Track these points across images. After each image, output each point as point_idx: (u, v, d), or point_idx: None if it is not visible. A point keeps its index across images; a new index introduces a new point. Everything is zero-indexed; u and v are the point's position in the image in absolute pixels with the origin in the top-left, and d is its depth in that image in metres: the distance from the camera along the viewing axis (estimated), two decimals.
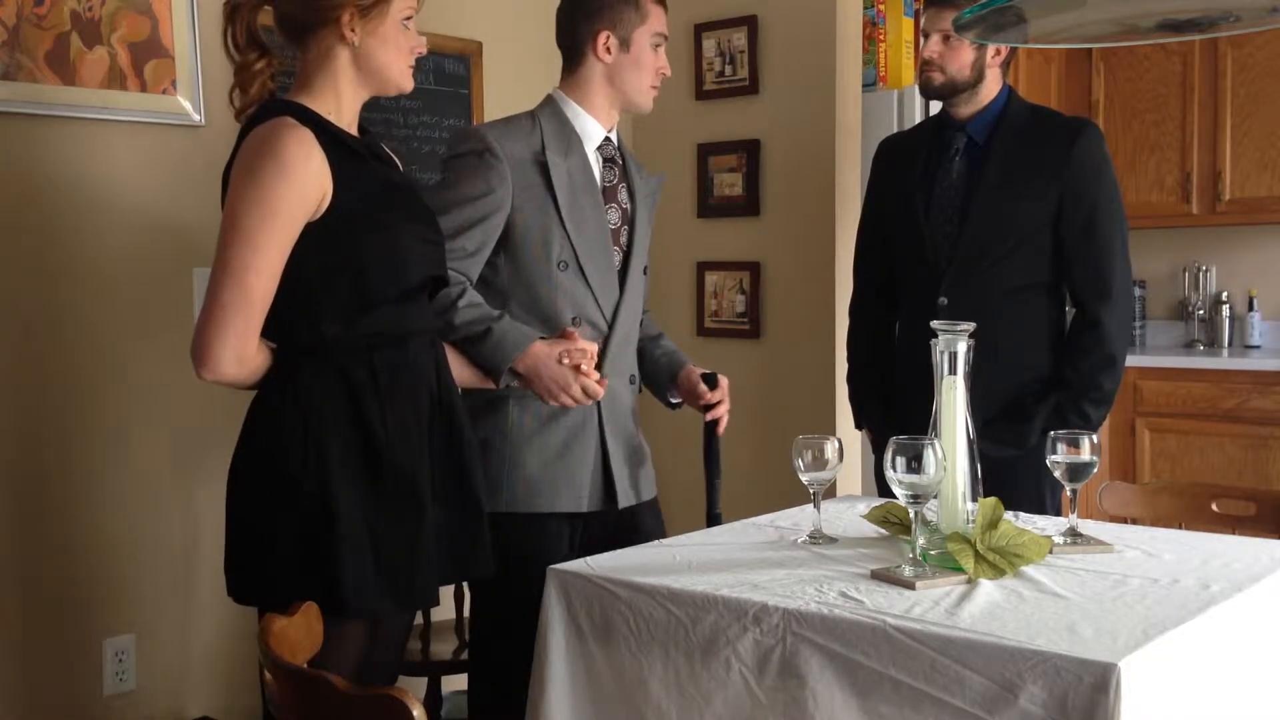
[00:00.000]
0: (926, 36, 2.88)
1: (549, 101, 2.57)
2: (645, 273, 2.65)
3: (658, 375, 2.69)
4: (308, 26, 2.00)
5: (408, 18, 2.04)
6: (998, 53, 2.87)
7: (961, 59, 2.84)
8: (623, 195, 2.58)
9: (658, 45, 2.54)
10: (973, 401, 2.77)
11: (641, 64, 2.51)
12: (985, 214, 2.82)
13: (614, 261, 2.53)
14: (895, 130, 3.69)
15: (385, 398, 1.97)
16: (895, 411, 2.91)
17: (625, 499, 2.52)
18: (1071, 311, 2.93)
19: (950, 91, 2.88)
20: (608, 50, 2.51)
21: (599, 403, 2.46)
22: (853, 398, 3.10)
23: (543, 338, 2.36)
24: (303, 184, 1.88)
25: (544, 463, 2.44)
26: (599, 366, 2.43)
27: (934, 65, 2.86)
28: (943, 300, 2.83)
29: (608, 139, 2.56)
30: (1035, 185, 2.82)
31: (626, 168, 2.61)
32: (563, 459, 2.45)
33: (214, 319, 1.87)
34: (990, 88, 2.90)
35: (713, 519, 2.57)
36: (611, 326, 2.52)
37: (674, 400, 2.70)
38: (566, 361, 2.32)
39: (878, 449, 2.96)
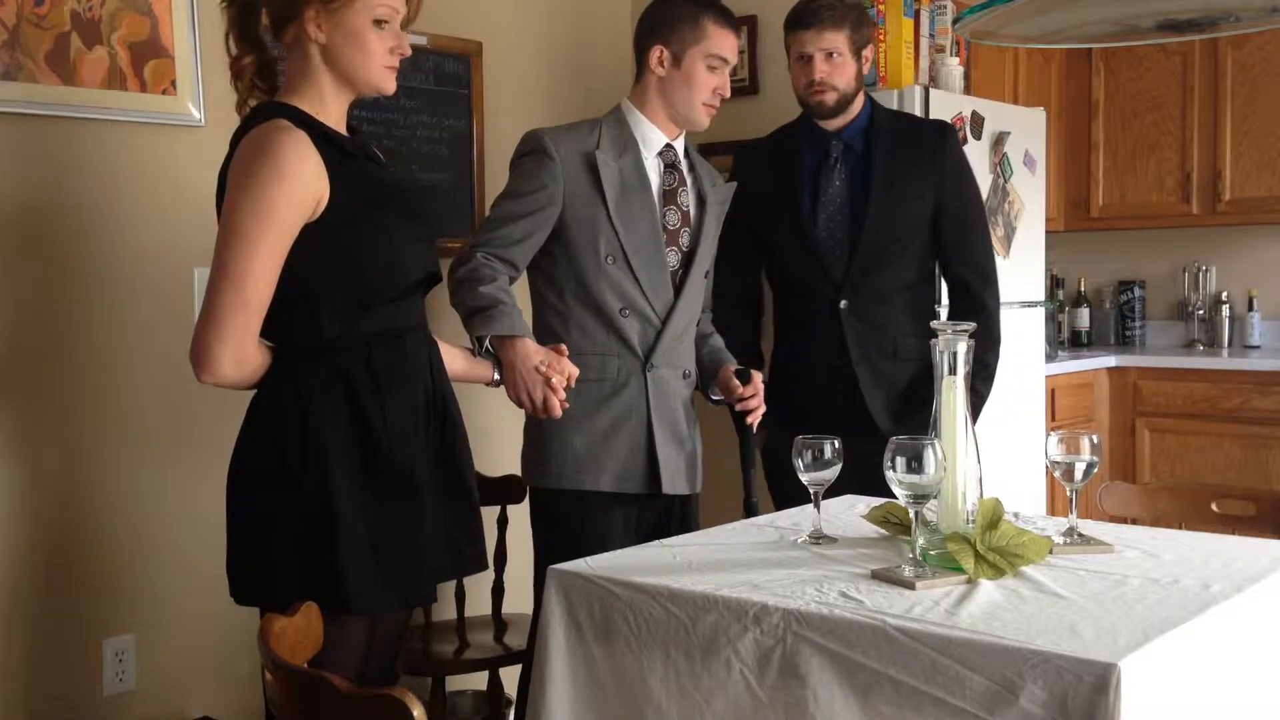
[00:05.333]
0: (808, 59, 2.91)
1: (615, 109, 2.72)
2: (706, 275, 2.78)
3: (701, 372, 2.81)
4: (281, 21, 2.00)
5: (380, 19, 2.00)
6: (868, 60, 2.97)
7: (847, 73, 2.92)
8: (684, 199, 2.70)
9: (714, 67, 2.65)
10: (876, 395, 2.89)
11: (692, 81, 2.64)
12: (877, 219, 2.93)
13: (667, 259, 2.65)
14: None
15: (384, 396, 1.98)
16: (785, 412, 2.92)
17: (670, 486, 2.64)
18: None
19: (843, 106, 2.95)
20: (660, 64, 2.65)
21: (648, 391, 2.62)
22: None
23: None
24: (299, 187, 1.89)
25: (590, 443, 2.59)
26: (649, 356, 2.62)
27: (825, 85, 2.91)
28: (843, 303, 2.95)
29: (669, 146, 2.69)
30: (916, 186, 2.96)
31: (697, 174, 2.74)
32: (608, 440, 2.60)
33: (213, 322, 1.88)
34: (859, 97, 3.00)
35: (749, 507, 2.70)
36: (665, 321, 2.64)
37: (715, 397, 2.82)
38: (544, 369, 2.34)
39: (767, 453, 3.01)
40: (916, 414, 2.79)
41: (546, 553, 2.55)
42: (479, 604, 3.14)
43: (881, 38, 4.07)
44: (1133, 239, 5.39)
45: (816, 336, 3.00)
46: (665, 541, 2.24)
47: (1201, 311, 5.23)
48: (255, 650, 1.53)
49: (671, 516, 2.69)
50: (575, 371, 2.38)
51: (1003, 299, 3.15)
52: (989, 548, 1.88)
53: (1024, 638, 1.57)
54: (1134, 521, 2.53)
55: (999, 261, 3.26)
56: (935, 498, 1.90)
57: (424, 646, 2.89)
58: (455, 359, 2.28)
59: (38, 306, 2.80)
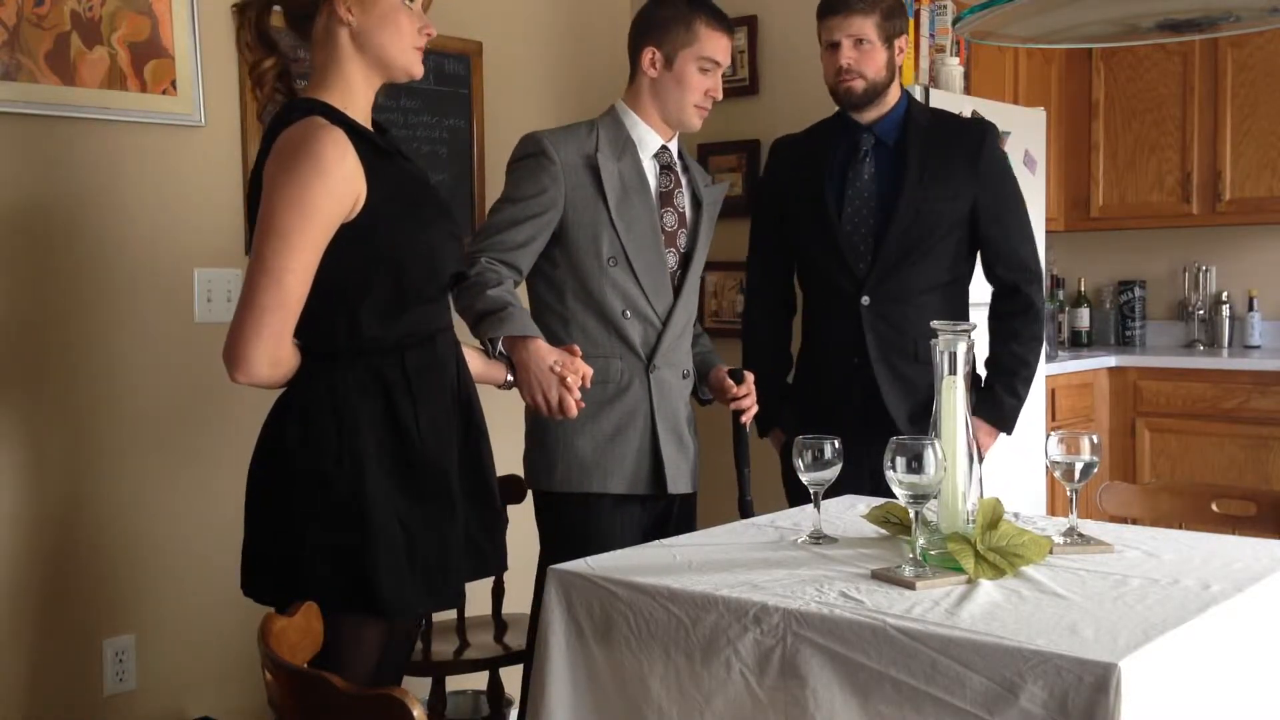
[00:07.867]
0: (835, 46, 2.85)
1: (610, 110, 2.71)
2: (701, 276, 2.78)
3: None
4: (307, 13, 1.98)
5: None
6: (901, 50, 2.89)
7: (876, 61, 2.84)
8: (680, 201, 2.70)
9: (706, 69, 2.63)
10: (896, 398, 2.85)
11: (684, 83, 2.63)
12: (907, 214, 2.86)
13: (666, 261, 2.65)
14: None
15: (417, 397, 1.96)
16: (805, 412, 2.92)
17: (675, 486, 2.65)
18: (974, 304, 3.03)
19: (872, 95, 2.88)
20: (653, 65, 2.64)
21: (651, 392, 2.62)
22: (759, 403, 3.04)
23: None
24: (339, 184, 1.86)
25: (596, 445, 2.59)
26: (651, 357, 2.62)
27: (851, 72, 2.85)
28: (865, 300, 2.89)
29: (665, 148, 2.69)
30: (951, 185, 2.88)
31: (691, 176, 2.74)
32: (614, 442, 2.60)
33: (251, 321, 1.84)
34: (894, 90, 2.92)
35: (744, 506, 2.71)
36: (665, 322, 2.64)
37: (705, 397, 2.83)
38: (559, 370, 2.33)
39: (786, 453, 2.96)
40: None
41: (552, 555, 2.53)
42: (479, 604, 3.14)
43: None
44: (1133, 239, 5.39)
45: (838, 334, 2.92)
46: (665, 541, 2.24)
47: (1201, 311, 5.23)
48: (255, 650, 1.53)
49: (671, 515, 2.69)
50: (590, 371, 2.36)
51: None
52: (989, 548, 1.88)
53: (1024, 638, 1.57)
54: (1134, 521, 2.53)
55: None
56: (935, 498, 1.90)
57: (424, 646, 2.89)
58: (471, 359, 2.27)
59: (37, 306, 2.80)
